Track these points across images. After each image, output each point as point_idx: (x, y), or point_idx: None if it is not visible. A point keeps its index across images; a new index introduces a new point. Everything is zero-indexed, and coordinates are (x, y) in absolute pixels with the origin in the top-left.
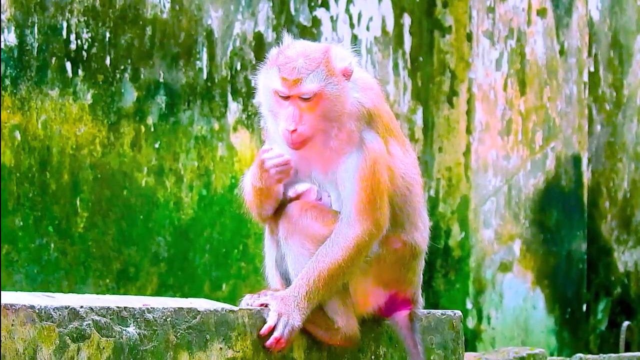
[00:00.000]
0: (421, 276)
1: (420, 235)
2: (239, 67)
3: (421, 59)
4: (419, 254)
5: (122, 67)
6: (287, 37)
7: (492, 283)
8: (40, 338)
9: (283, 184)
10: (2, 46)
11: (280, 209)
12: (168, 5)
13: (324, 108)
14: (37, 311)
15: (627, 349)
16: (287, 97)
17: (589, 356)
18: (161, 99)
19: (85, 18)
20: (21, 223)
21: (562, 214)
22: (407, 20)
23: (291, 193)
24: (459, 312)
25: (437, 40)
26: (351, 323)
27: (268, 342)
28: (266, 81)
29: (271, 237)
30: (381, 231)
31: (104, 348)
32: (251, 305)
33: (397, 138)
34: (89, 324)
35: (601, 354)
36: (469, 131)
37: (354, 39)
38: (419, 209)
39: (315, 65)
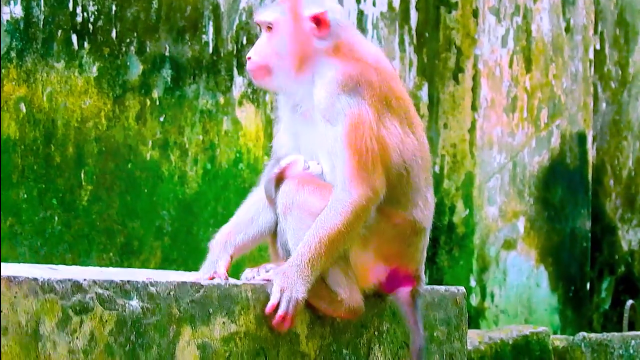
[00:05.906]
0: (424, 254)
1: (421, 212)
2: (245, 42)
3: (427, 35)
4: (420, 231)
5: (128, 41)
6: None
7: (496, 260)
8: (43, 311)
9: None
10: (9, 18)
11: (277, 186)
12: None
13: (276, 42)
14: (40, 284)
15: (631, 328)
16: (259, 29)
17: (592, 335)
18: (167, 73)
19: None
20: (25, 195)
21: (566, 192)
22: None
23: (276, 170)
24: (462, 289)
25: (443, 16)
26: (354, 295)
27: (274, 322)
28: None
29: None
30: (378, 195)
31: (106, 321)
32: (251, 280)
33: (398, 117)
34: (92, 297)
35: (604, 333)
36: (474, 108)
37: (360, 14)
38: (420, 189)
39: (281, 1)
